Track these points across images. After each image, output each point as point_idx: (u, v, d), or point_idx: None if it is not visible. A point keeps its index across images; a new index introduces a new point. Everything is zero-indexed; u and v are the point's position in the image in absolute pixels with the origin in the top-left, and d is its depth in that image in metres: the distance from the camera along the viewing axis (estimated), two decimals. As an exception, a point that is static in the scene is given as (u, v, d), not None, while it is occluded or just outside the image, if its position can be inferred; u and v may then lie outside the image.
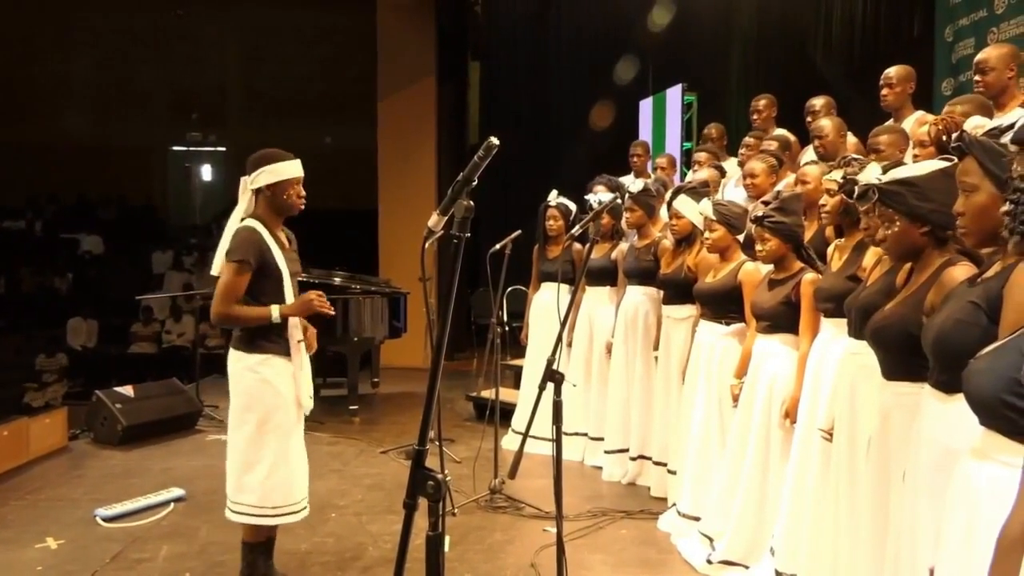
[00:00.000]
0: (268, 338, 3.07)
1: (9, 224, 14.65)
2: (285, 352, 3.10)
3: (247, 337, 3.09)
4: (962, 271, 2.01)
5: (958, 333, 1.79)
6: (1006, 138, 1.76)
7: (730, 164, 5.42)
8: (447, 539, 1.54)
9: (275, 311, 3.03)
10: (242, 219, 3.12)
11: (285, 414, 3.10)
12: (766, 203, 3.30)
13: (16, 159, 14.33)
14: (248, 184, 3.09)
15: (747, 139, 5.00)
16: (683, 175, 6.65)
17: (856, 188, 2.38)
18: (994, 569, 1.35)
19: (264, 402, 3.07)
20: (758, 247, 3.35)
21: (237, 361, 3.11)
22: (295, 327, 3.14)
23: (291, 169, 3.10)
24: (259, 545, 3.23)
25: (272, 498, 3.09)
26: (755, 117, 5.32)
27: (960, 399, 1.67)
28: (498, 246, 4.72)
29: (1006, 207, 1.58)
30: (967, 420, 1.61)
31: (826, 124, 4.00)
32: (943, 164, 2.19)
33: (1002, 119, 2.67)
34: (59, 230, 14.57)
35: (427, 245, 1.71)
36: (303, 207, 3.19)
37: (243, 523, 3.16)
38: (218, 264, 3.13)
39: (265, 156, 3.10)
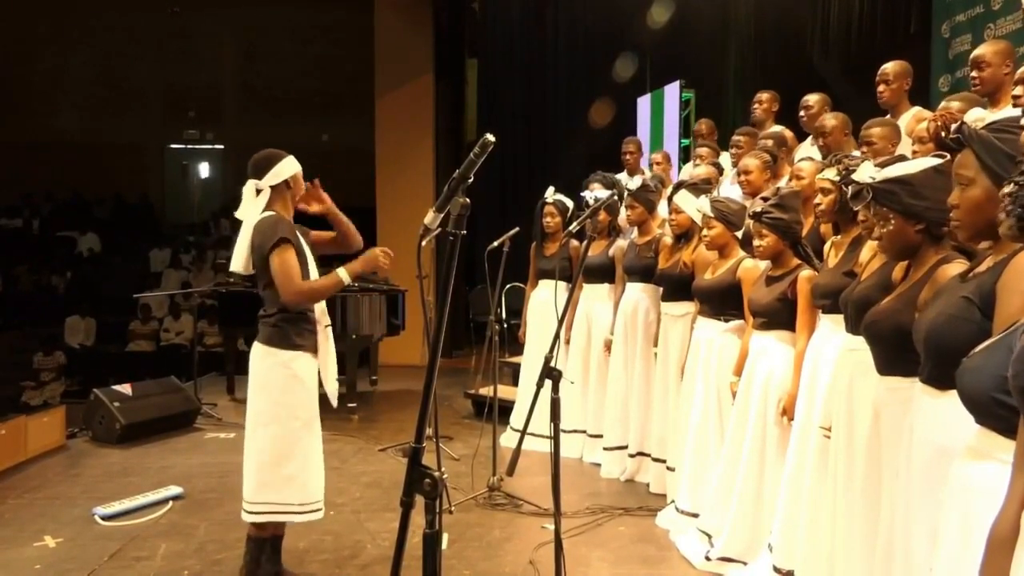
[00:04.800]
0: (301, 333, 3.09)
1: (6, 222, 14.62)
2: (313, 348, 3.13)
3: (281, 332, 3.08)
4: (957, 268, 2.00)
5: (950, 329, 1.78)
6: None
7: (723, 160, 5.41)
8: (444, 536, 1.54)
9: (344, 274, 3.07)
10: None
11: (312, 411, 3.15)
12: (765, 199, 3.30)
13: (12, 157, 14.30)
14: (265, 182, 3.11)
15: (736, 137, 4.94)
16: (680, 171, 6.64)
17: (850, 188, 2.38)
18: (985, 567, 1.35)
19: (296, 398, 3.09)
20: (755, 243, 3.34)
21: (267, 356, 3.08)
22: (323, 312, 3.19)
23: (297, 161, 3.20)
24: (265, 541, 3.19)
25: (300, 494, 3.09)
26: (756, 107, 5.31)
27: (952, 395, 1.66)
28: (496, 243, 4.72)
29: (1009, 188, 1.54)
30: (959, 417, 1.61)
31: (829, 121, 3.94)
32: (936, 161, 2.19)
33: (998, 114, 2.66)
34: (56, 228, 14.54)
35: (424, 243, 1.71)
36: None
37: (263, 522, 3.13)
38: (240, 260, 3.13)
39: (274, 154, 3.16)
